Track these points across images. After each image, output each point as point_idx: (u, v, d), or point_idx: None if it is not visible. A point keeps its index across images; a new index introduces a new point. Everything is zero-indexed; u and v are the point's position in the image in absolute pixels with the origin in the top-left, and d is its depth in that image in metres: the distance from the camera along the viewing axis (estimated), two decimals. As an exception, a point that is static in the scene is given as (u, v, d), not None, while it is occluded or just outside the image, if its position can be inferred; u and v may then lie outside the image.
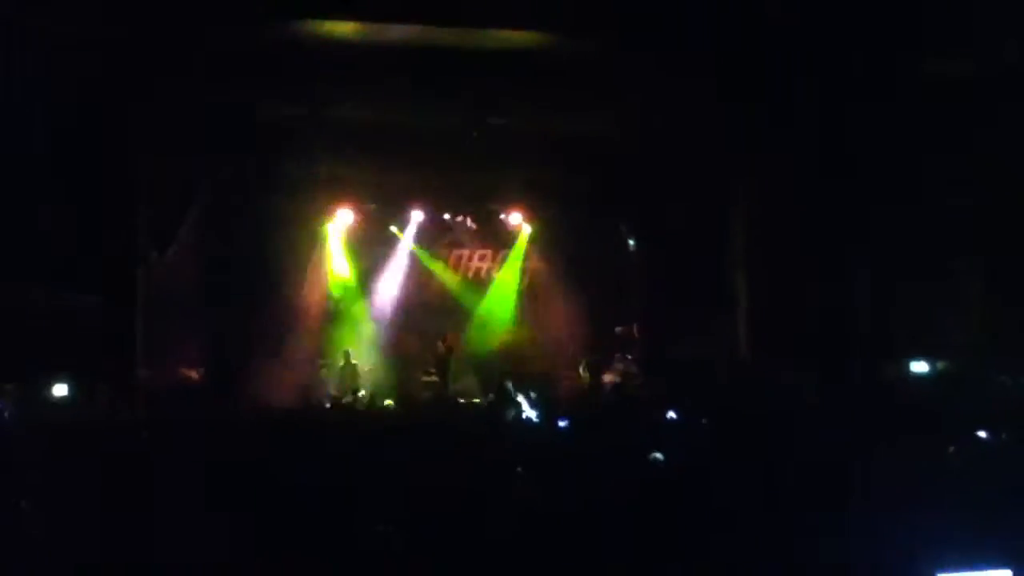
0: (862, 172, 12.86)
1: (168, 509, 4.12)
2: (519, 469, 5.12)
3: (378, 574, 3.36)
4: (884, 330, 12.62)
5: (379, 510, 3.92)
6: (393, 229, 17.52)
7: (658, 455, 5.47)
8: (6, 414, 9.45)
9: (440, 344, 16.52)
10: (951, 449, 4.96)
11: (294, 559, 3.53)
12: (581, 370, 16.01)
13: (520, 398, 9.10)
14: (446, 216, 17.55)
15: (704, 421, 7.94)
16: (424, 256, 17.75)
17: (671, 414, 8.07)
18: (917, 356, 11.88)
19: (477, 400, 15.00)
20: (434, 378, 16.39)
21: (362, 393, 15.15)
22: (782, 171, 13.55)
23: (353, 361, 16.22)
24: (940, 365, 11.73)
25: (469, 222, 17.61)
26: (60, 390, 10.62)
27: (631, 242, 16.86)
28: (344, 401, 14.21)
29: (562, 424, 8.24)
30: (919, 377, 11.70)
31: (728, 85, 12.21)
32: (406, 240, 17.62)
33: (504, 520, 3.86)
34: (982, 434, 5.50)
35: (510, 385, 8.34)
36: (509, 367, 15.34)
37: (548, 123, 14.22)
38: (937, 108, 12.04)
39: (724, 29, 11.03)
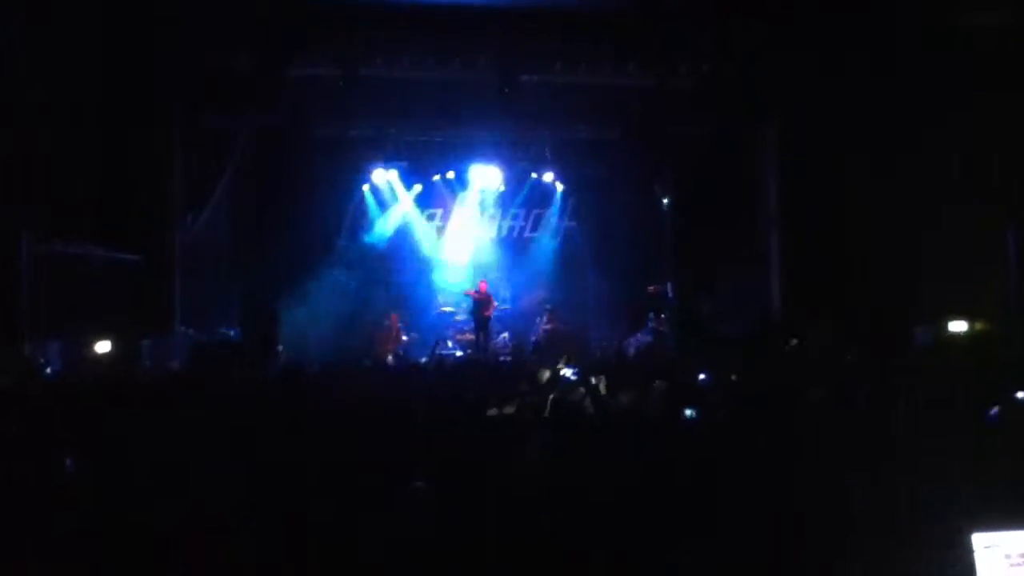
0: (897, 126, 12.64)
1: (207, 465, 4.16)
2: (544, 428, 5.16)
3: (411, 533, 3.40)
4: (920, 288, 12.45)
5: (413, 468, 3.95)
6: (426, 187, 17.55)
7: (691, 412, 5.50)
8: (49, 370, 9.67)
9: (474, 295, 16.47)
10: (991, 411, 4.92)
11: (327, 517, 3.55)
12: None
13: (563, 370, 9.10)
14: (477, 175, 17.51)
15: (734, 378, 7.94)
16: (457, 215, 17.77)
17: (702, 376, 8.07)
18: (954, 315, 11.73)
19: (508, 359, 15.09)
20: (470, 336, 16.50)
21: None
22: (817, 127, 13.38)
23: (398, 324, 16.31)
24: (978, 324, 11.58)
25: (501, 181, 17.57)
26: (103, 347, 10.81)
27: (664, 200, 16.75)
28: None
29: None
30: (956, 336, 11.57)
31: (764, 34, 12.05)
32: (441, 198, 17.65)
33: (530, 477, 3.89)
34: (1021, 395, 5.44)
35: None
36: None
37: (581, 79, 14.11)
38: (973, 61, 11.76)
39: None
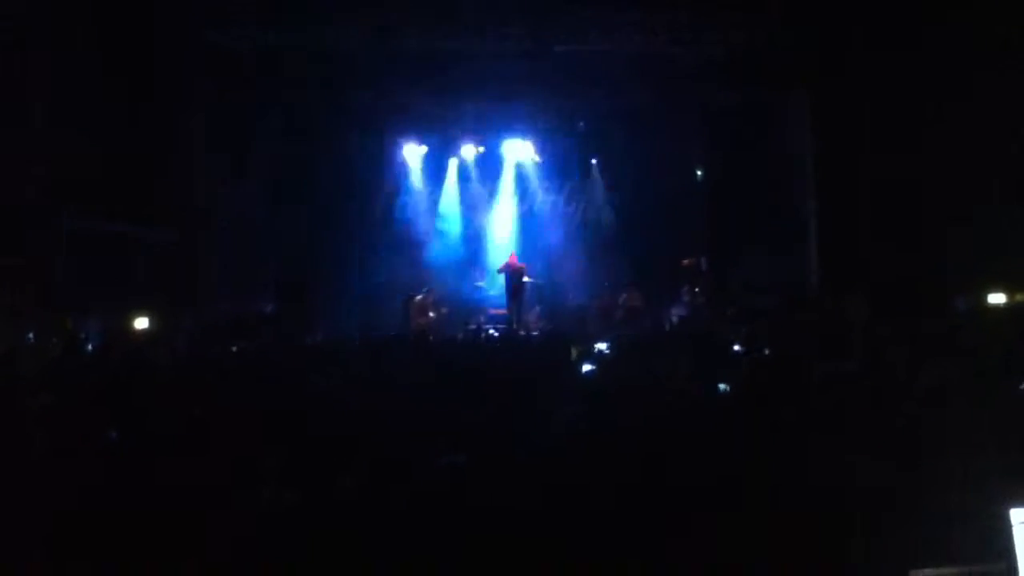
0: (937, 95, 12.37)
1: (246, 438, 4.22)
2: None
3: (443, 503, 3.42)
4: (959, 260, 12.23)
5: (447, 440, 3.98)
6: (455, 161, 17.54)
7: (724, 386, 5.48)
8: (90, 346, 9.86)
9: (506, 269, 16.42)
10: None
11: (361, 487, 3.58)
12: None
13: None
14: (511, 148, 17.44)
15: (767, 352, 7.89)
16: (491, 189, 17.76)
17: (736, 347, 8.04)
18: (993, 287, 11.53)
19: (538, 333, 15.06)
20: (503, 311, 16.52)
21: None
22: (853, 96, 13.15)
23: (430, 297, 16.36)
24: (1018, 296, 11.37)
25: (534, 154, 17.50)
26: (141, 323, 10.98)
27: (698, 172, 16.59)
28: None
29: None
30: (995, 308, 11.38)
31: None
32: (471, 171, 17.65)
33: (559, 447, 3.90)
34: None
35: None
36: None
37: (615, 48, 13.96)
38: (1010, 25, 11.43)
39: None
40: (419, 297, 16.26)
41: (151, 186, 12.25)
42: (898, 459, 3.64)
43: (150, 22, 11.80)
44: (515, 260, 16.45)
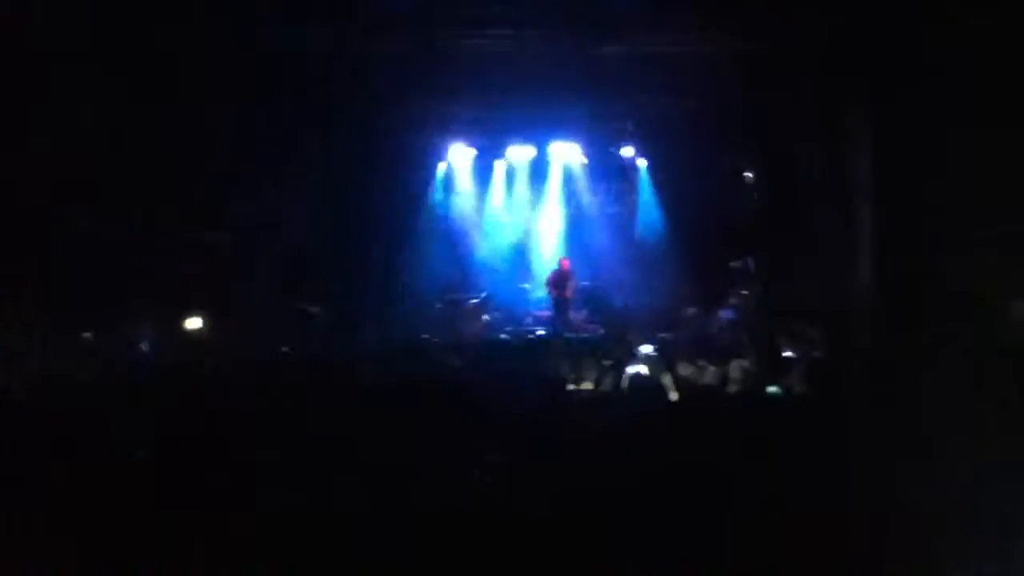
0: (993, 97, 11.99)
1: (282, 447, 4.19)
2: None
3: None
4: (1017, 267, 11.85)
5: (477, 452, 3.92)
6: (502, 164, 17.54)
7: (775, 388, 5.40)
8: (144, 348, 10.00)
9: (558, 270, 16.35)
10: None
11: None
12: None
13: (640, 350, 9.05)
14: (558, 152, 17.39)
15: (816, 354, 7.76)
16: (537, 192, 17.72)
17: (787, 352, 7.92)
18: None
19: (586, 335, 15.00)
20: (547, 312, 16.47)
21: None
22: (911, 97, 12.83)
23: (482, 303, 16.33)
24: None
25: (581, 157, 17.44)
26: (194, 323, 11.11)
27: (747, 174, 16.36)
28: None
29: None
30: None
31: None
32: (518, 173, 17.63)
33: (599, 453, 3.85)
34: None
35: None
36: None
37: (662, 49, 13.82)
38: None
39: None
40: (474, 302, 16.25)
41: (197, 189, 12.39)
42: (942, 469, 3.54)
43: (190, 20, 11.89)
44: (567, 265, 16.39)
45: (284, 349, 11.40)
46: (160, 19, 11.40)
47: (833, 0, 12.09)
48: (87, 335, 10.42)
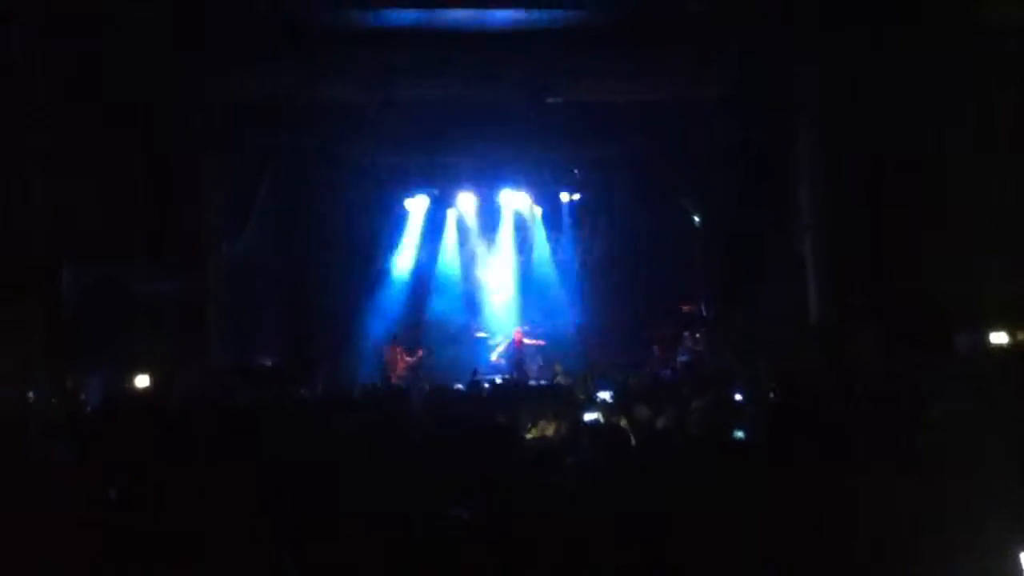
0: (937, 121, 12.24)
1: (244, 494, 4.16)
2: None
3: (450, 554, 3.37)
4: (961, 296, 12.07)
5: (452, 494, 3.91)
6: (454, 212, 17.61)
7: (739, 433, 5.43)
8: (89, 408, 9.73)
9: (511, 343, 16.53)
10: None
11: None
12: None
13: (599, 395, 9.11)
14: (507, 199, 17.52)
15: (772, 396, 7.83)
16: (488, 240, 17.80)
17: (738, 395, 7.97)
18: (996, 326, 11.41)
19: (543, 382, 14.99)
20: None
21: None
22: (851, 126, 13.13)
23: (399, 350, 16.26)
24: (1021, 336, 11.26)
25: (530, 204, 17.58)
26: (142, 381, 10.85)
27: (695, 218, 16.62)
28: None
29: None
30: (998, 348, 11.28)
31: (797, 35, 11.97)
32: (469, 221, 17.70)
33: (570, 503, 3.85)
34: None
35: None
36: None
37: (606, 96, 14.11)
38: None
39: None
40: (388, 349, 16.17)
41: (156, 237, 12.24)
42: (911, 494, 3.60)
43: (152, 73, 11.88)
44: (520, 337, 16.50)
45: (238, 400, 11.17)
46: (111, 65, 11.35)
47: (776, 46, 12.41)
48: (30, 395, 10.11)
